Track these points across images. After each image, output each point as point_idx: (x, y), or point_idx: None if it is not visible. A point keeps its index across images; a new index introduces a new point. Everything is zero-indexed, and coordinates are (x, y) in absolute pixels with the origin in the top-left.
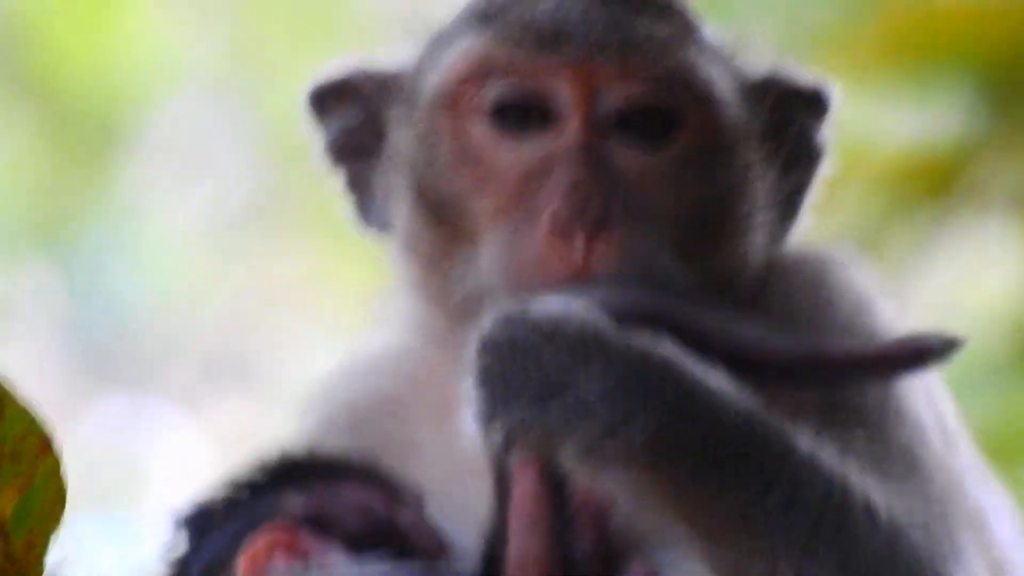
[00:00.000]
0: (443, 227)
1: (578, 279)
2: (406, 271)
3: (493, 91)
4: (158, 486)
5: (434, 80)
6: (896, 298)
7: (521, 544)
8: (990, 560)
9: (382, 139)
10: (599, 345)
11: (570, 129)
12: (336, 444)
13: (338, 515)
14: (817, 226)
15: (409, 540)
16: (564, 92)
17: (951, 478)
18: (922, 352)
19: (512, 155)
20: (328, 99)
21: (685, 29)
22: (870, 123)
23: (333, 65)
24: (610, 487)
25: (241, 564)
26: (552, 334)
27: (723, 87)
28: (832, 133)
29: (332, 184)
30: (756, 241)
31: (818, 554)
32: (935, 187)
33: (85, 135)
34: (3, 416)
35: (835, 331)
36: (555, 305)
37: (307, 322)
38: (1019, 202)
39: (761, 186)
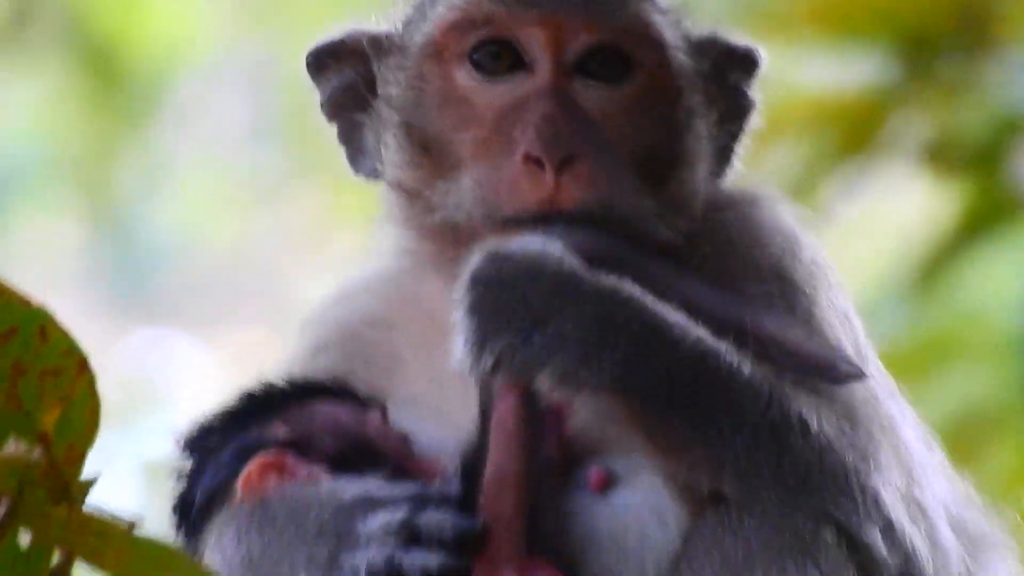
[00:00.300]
0: (428, 161)
1: (549, 205)
2: (394, 203)
3: (474, 40)
4: (179, 405)
5: (423, 31)
6: (817, 230)
7: (500, 459)
8: (901, 464)
9: (373, 93)
10: (574, 284)
11: (541, 72)
12: (327, 362)
13: (315, 435)
14: (750, 166)
15: (377, 443)
16: (536, 40)
17: (867, 392)
18: (832, 370)
19: (490, 96)
20: (325, 60)
21: None
22: (798, 79)
23: (330, 29)
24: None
25: (239, 487)
26: (534, 273)
27: (673, 37)
28: (760, 90)
29: (334, 139)
30: (700, 176)
31: (758, 462)
32: (854, 135)
33: (124, 95)
34: (46, 339)
35: (764, 262)
36: (534, 244)
37: (315, 262)
38: (925, 147)
39: (703, 126)
